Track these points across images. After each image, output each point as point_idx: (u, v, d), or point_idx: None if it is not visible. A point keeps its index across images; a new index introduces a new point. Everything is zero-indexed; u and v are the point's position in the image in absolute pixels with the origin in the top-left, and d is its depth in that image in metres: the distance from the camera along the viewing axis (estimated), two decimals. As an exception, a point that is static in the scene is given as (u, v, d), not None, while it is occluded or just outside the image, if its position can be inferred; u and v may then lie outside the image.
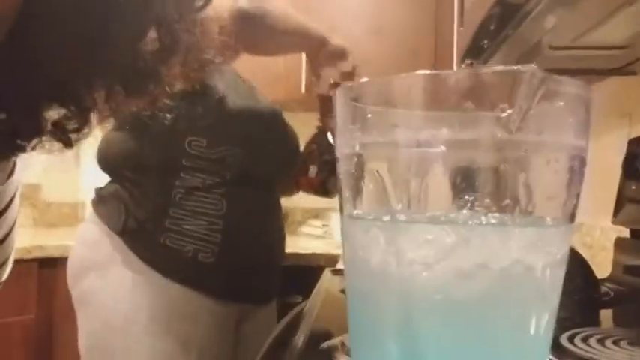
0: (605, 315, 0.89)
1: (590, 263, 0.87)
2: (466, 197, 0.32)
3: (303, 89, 2.07)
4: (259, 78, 1.33)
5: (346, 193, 0.34)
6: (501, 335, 0.33)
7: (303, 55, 2.09)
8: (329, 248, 2.01)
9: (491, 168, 0.30)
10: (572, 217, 0.31)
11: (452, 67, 1.46)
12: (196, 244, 1.05)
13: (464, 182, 0.32)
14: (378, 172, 0.32)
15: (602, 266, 1.16)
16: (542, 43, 0.99)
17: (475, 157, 0.30)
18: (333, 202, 0.37)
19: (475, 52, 1.16)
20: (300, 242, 2.19)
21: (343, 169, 0.34)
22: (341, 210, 0.35)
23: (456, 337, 0.33)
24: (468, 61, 1.20)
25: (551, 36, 0.96)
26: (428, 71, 0.28)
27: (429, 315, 0.32)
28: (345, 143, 0.33)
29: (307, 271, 1.82)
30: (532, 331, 0.33)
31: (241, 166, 1.09)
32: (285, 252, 1.31)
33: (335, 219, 2.26)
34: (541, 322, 0.33)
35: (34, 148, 0.35)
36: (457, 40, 1.36)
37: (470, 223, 0.29)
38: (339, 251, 0.57)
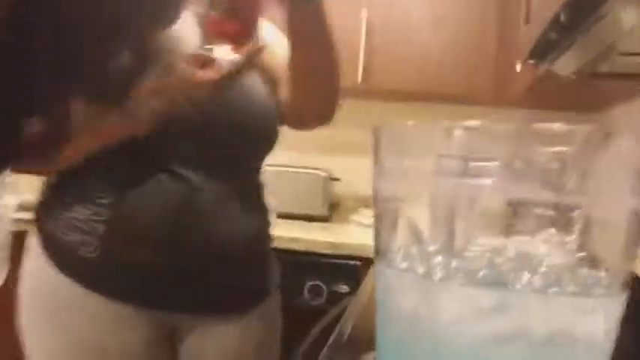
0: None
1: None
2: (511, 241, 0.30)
3: (359, 78, 2.02)
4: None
5: (383, 234, 0.32)
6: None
7: (362, 43, 2.06)
8: (378, 239, 1.99)
9: (540, 225, 0.28)
10: (625, 285, 0.28)
11: (515, 65, 1.40)
12: (78, 236, 0.88)
13: (510, 228, 0.30)
14: (414, 215, 0.31)
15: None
16: (612, 48, 0.93)
17: (523, 206, 0.28)
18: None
19: (541, 51, 1.10)
20: (349, 231, 2.18)
21: (380, 210, 0.32)
22: (376, 252, 0.33)
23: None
24: (531, 61, 1.14)
25: (623, 41, 0.90)
26: (474, 122, 0.26)
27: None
28: (384, 186, 0.31)
29: (355, 261, 1.82)
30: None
31: (128, 152, 0.83)
32: (256, 252, 1.01)
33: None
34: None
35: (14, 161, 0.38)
36: (522, 37, 1.30)
37: (509, 287, 0.27)
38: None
